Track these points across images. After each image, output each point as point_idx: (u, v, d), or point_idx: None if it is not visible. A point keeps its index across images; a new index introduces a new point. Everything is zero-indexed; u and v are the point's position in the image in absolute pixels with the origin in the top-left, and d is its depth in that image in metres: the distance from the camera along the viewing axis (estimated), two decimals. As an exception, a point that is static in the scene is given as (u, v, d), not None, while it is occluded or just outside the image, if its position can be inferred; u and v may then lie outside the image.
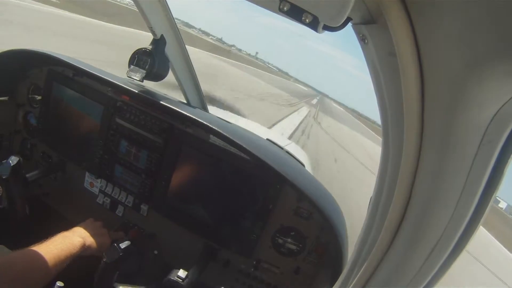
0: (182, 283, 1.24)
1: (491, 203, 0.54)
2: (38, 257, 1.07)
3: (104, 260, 1.17)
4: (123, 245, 1.20)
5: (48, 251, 1.13)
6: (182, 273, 1.27)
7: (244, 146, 1.31)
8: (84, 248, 1.28)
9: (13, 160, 1.43)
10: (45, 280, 1.08)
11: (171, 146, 1.49)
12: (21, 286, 1.01)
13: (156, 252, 1.62)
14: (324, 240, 1.39)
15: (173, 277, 1.25)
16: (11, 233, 1.46)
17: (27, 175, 1.64)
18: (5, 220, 1.47)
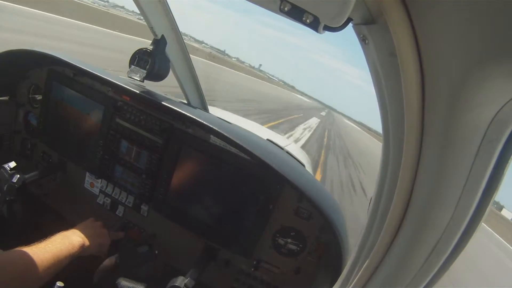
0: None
1: (491, 204, 0.54)
2: (37, 256, 1.07)
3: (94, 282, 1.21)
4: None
5: (47, 250, 1.12)
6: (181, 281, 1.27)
7: (245, 146, 1.31)
8: (84, 248, 1.28)
9: (18, 180, 1.45)
10: (44, 280, 1.08)
11: (171, 146, 1.49)
12: (18, 285, 1.00)
13: (156, 252, 1.62)
14: (324, 240, 1.39)
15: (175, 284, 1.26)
16: (10, 234, 1.46)
17: (25, 176, 1.64)
18: (3, 219, 1.48)
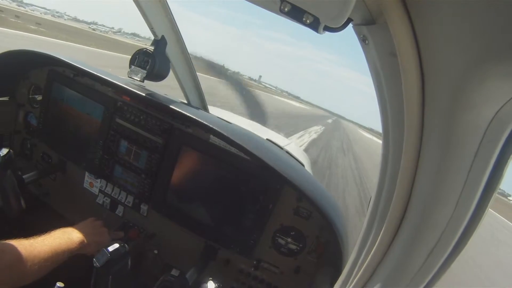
0: (173, 279, 1.24)
1: (491, 203, 0.54)
2: (33, 247, 1.07)
3: (94, 265, 1.17)
4: (111, 248, 1.19)
5: (45, 243, 1.12)
6: (174, 272, 1.27)
7: (244, 146, 1.31)
8: (83, 245, 1.28)
9: (3, 151, 1.43)
10: (40, 272, 1.07)
11: (171, 146, 1.49)
12: (9, 275, 1.00)
13: (156, 252, 1.62)
14: (324, 239, 1.39)
15: (165, 276, 1.25)
16: (10, 232, 1.46)
17: (24, 176, 1.64)
18: (2, 218, 1.48)
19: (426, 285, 0.62)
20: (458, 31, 0.42)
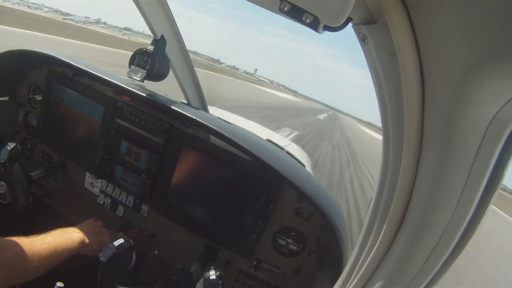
0: (177, 272, 1.25)
1: (491, 203, 0.54)
2: (33, 246, 1.07)
3: (100, 259, 1.18)
4: (116, 243, 1.21)
5: (44, 242, 1.12)
6: (177, 264, 1.28)
7: (245, 146, 1.31)
8: (84, 245, 1.28)
9: (10, 145, 1.45)
10: (40, 270, 1.07)
11: (171, 146, 1.49)
12: (9, 271, 1.00)
13: (156, 252, 1.62)
14: (324, 240, 1.39)
15: (169, 269, 1.26)
16: (12, 231, 1.47)
17: (31, 173, 1.65)
18: (9, 214, 1.48)
19: (426, 285, 0.62)
20: (458, 31, 0.42)
